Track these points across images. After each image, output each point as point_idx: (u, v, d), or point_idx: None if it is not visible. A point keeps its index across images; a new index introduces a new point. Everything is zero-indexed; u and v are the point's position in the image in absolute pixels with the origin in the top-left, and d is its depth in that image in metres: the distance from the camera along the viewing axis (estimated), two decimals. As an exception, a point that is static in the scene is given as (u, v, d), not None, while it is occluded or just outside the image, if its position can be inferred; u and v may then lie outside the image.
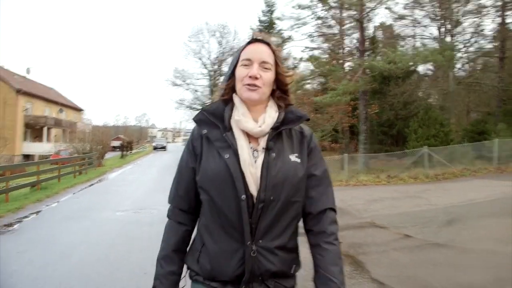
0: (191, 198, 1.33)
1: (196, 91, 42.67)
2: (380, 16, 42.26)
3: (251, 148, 1.26)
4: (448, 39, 22.02)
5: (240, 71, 1.28)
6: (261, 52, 1.28)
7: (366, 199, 9.44)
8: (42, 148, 30.42)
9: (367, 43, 24.00)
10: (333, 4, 19.32)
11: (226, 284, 1.23)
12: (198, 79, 43.95)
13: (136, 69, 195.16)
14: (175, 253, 1.33)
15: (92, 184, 13.16)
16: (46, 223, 7.06)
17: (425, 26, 24.54)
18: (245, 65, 1.27)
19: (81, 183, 13.16)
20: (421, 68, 23.22)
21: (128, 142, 37.71)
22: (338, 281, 1.21)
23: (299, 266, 1.33)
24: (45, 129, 31.64)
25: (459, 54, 22.07)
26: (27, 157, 28.95)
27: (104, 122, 71.47)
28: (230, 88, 1.32)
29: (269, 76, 1.28)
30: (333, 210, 1.33)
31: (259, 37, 1.31)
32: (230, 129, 1.27)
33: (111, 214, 7.75)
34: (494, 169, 14.97)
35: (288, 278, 1.29)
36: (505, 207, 7.81)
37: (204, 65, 42.99)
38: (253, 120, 1.28)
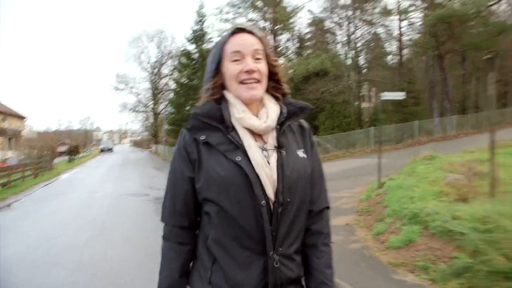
0: (191, 212, 1.19)
1: (138, 94, 45.28)
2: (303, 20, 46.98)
3: (259, 147, 1.13)
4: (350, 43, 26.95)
5: (231, 68, 1.14)
6: (250, 42, 1.15)
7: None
8: (-11, 157, 31.69)
9: (297, 43, 28.26)
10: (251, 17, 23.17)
11: None
12: (139, 83, 46.78)
13: (77, 73, 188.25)
14: (182, 278, 1.19)
15: (52, 182, 15.95)
16: (30, 203, 10.25)
17: (333, 33, 29.57)
18: (236, 59, 1.13)
19: (43, 182, 15.91)
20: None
21: (74, 146, 39.49)
22: (331, 285, 1.17)
23: (303, 267, 1.23)
24: (-10, 139, 32.73)
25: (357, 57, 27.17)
26: (-26, 166, 30.08)
27: (46, 128, 70.93)
28: (219, 86, 1.18)
29: (264, 66, 1.16)
30: (329, 208, 1.27)
31: (242, 27, 1.18)
32: (233, 128, 1.14)
33: (76, 195, 11.12)
34: (370, 151, 18.84)
35: (299, 283, 1.19)
36: (341, 175, 12.10)
37: (145, 69, 45.59)
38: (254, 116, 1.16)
